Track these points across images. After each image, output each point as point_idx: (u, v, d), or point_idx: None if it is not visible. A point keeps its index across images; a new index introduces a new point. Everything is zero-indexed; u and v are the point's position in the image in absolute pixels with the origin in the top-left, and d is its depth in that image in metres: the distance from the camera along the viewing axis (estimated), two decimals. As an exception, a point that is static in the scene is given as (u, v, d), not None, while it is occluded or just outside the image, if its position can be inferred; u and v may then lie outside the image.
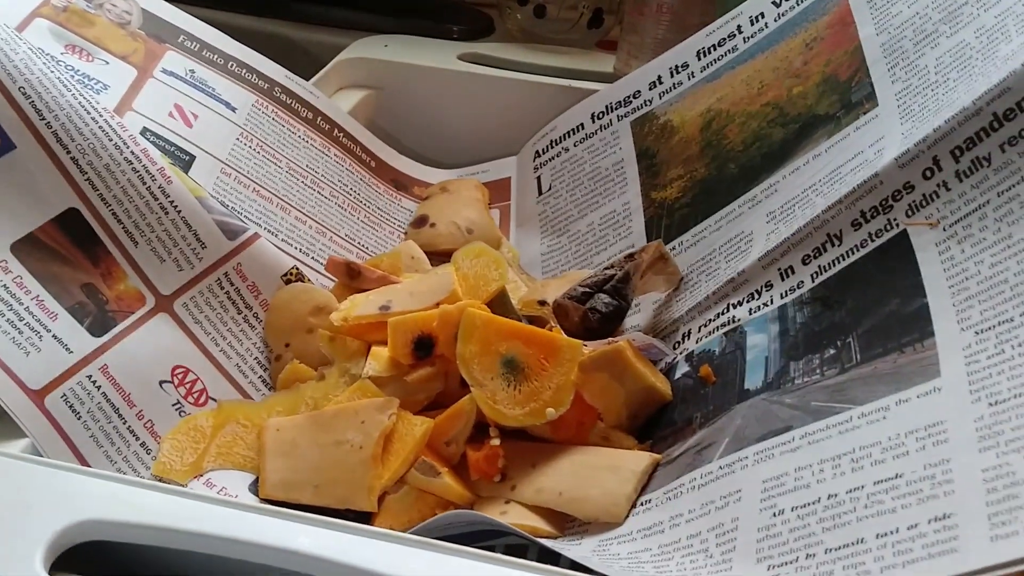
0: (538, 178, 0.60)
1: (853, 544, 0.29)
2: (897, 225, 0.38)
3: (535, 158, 0.61)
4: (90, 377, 0.39)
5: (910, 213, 0.38)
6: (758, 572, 0.30)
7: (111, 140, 0.43)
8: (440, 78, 0.66)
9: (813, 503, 0.31)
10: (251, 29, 0.58)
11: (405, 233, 0.59)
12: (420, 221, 0.58)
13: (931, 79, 0.41)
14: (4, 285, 0.39)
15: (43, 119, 0.41)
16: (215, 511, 0.31)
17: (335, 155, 0.58)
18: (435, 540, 0.31)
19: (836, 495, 0.31)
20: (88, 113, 0.42)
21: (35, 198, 0.41)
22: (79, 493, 0.32)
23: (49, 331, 0.39)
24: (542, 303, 0.50)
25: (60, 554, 0.31)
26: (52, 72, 0.42)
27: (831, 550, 0.29)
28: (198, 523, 0.31)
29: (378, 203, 0.59)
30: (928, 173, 0.37)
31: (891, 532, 0.28)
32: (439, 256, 0.53)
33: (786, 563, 0.30)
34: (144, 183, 0.43)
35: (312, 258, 0.52)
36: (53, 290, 0.40)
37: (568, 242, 0.56)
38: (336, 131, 0.59)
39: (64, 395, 0.38)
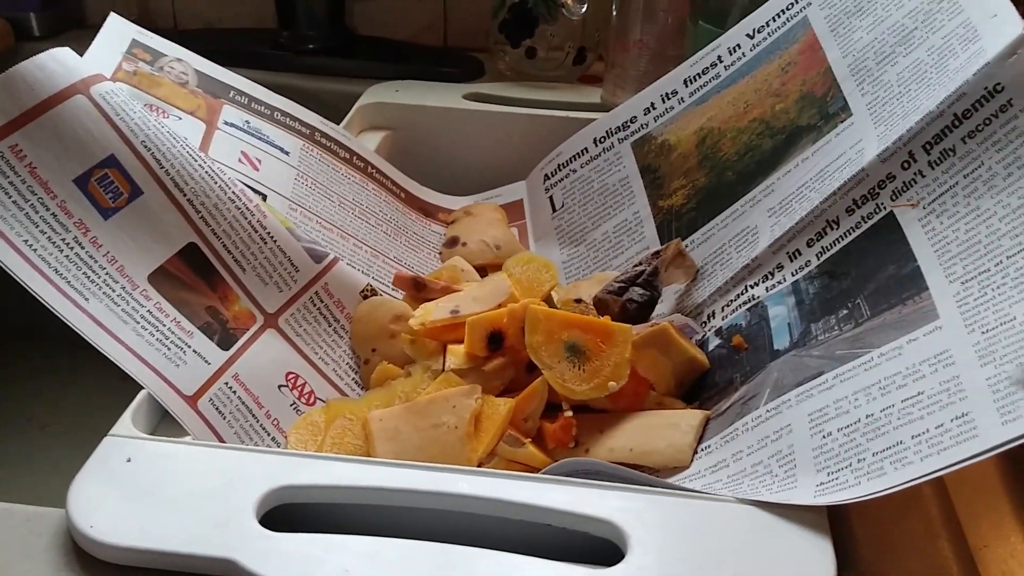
0: (550, 197, 0.68)
1: (895, 446, 0.38)
2: (884, 208, 0.47)
3: (544, 180, 0.69)
4: (227, 384, 0.46)
5: (894, 197, 0.47)
6: (820, 478, 0.39)
7: (215, 182, 0.49)
8: (450, 116, 0.74)
9: (855, 423, 0.40)
10: (268, 83, 0.65)
11: (440, 253, 0.66)
12: (452, 242, 0.66)
13: (895, 91, 0.50)
14: (148, 310, 0.45)
15: (162, 167, 0.48)
16: (385, 470, 0.38)
17: (373, 189, 0.66)
18: (561, 476, 0.39)
19: (872, 414, 0.40)
20: (195, 160, 0.49)
21: (162, 236, 0.47)
22: (271, 467, 0.38)
23: (189, 346, 0.46)
24: (578, 301, 0.58)
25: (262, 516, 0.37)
26: (162, 127, 0.49)
27: (877, 453, 0.38)
28: (377, 480, 0.38)
29: (413, 229, 0.67)
30: (905, 164, 0.47)
31: (923, 432, 0.37)
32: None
33: (842, 468, 0.39)
34: (245, 218, 0.50)
35: (372, 277, 0.59)
36: (186, 312, 0.47)
37: (586, 250, 0.64)
38: (370, 168, 0.67)
39: (211, 399, 0.45)
